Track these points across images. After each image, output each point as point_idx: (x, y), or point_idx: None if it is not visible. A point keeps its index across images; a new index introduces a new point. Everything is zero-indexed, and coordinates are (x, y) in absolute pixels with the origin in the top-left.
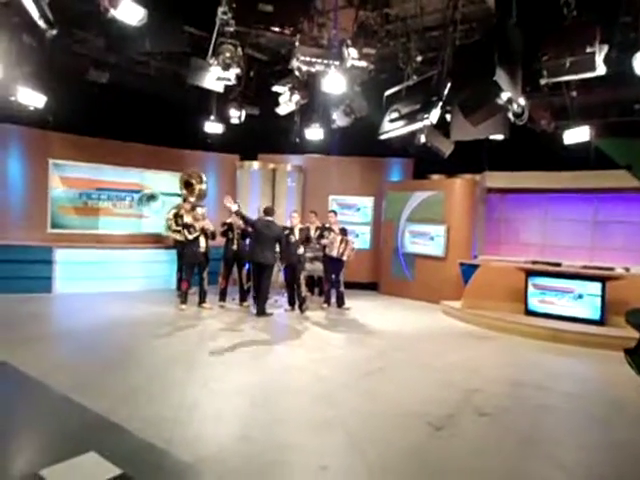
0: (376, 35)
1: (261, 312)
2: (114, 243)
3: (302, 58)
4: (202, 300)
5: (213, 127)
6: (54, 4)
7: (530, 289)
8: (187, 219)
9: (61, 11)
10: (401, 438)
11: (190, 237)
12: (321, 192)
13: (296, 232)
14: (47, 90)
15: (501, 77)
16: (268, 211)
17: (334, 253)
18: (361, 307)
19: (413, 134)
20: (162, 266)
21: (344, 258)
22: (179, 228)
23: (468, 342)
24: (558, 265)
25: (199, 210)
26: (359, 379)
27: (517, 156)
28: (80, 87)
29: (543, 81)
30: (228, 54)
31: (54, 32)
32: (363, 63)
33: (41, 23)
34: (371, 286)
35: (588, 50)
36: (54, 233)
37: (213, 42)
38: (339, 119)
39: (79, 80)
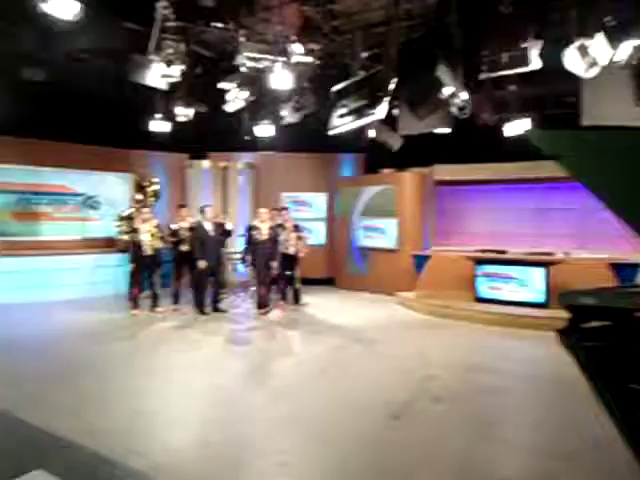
0: (321, 31)
1: (207, 312)
2: (58, 249)
3: (247, 54)
4: (155, 304)
5: (160, 126)
6: None
7: (479, 277)
8: (138, 224)
9: None
10: (359, 429)
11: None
12: (274, 189)
13: (265, 230)
14: None
15: (443, 72)
16: (209, 211)
17: (291, 250)
18: (318, 303)
19: (363, 129)
20: (111, 271)
21: (300, 254)
22: (128, 230)
23: (423, 331)
24: (504, 253)
25: (145, 210)
26: (317, 374)
27: (464, 149)
28: (14, 86)
29: (483, 76)
30: (171, 50)
31: None
32: (309, 59)
33: None
34: (328, 281)
35: (522, 45)
36: None
37: (153, 38)
38: (289, 115)
39: (12, 79)
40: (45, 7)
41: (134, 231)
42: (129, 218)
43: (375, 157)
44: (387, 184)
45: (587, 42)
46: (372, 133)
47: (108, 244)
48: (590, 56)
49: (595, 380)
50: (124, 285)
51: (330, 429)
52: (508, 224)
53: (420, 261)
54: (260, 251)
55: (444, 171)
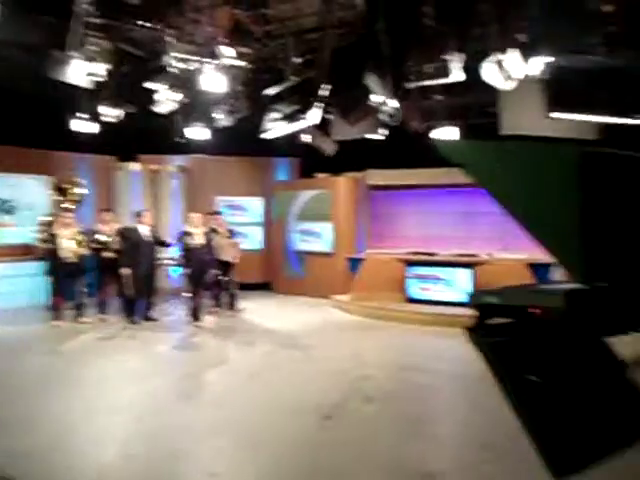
0: (252, 35)
1: (137, 322)
2: None
3: (175, 55)
4: (79, 314)
5: (84, 126)
6: None
7: (409, 278)
8: (57, 229)
9: None
10: (291, 432)
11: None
12: (208, 193)
13: (199, 235)
14: None
15: (372, 80)
16: (138, 216)
17: (225, 256)
18: (255, 308)
19: (296, 134)
20: (29, 280)
21: (234, 260)
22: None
23: (357, 333)
24: (433, 255)
25: (67, 215)
26: (250, 380)
27: (396, 154)
28: None
29: (409, 85)
30: (94, 47)
31: None
32: (240, 62)
33: None
34: (265, 286)
35: (444, 57)
36: None
37: (73, 34)
38: (222, 118)
39: None
40: None
41: (53, 237)
42: (49, 224)
43: (310, 161)
44: (322, 188)
45: (503, 56)
46: (306, 138)
47: (25, 251)
48: (506, 70)
49: (497, 373)
50: (43, 295)
51: (262, 434)
52: (438, 227)
53: (355, 264)
54: (195, 257)
55: (377, 176)
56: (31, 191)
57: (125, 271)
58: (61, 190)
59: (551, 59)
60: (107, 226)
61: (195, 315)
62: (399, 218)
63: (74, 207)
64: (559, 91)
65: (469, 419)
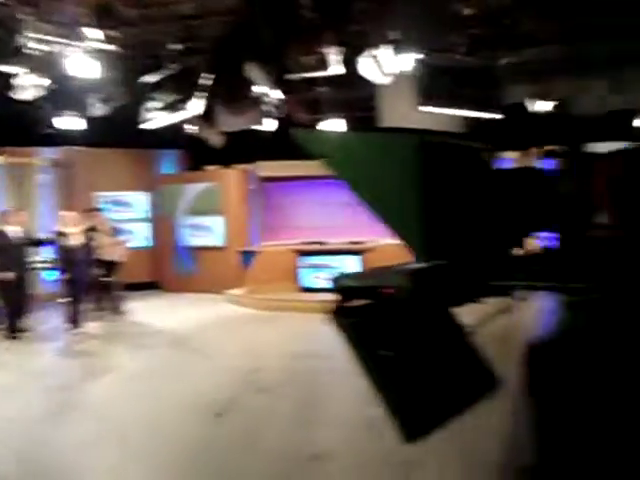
0: (122, 17)
1: (9, 332)
2: None
3: (34, 35)
4: None
5: None
6: None
7: (302, 268)
8: None
9: None
10: (181, 435)
11: None
12: (86, 189)
13: (75, 235)
14: None
15: (252, 71)
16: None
17: (109, 256)
18: (142, 309)
19: (181, 124)
20: None
21: (119, 260)
22: None
23: (251, 326)
24: (323, 244)
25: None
26: (137, 385)
27: (286, 146)
28: None
29: (290, 77)
30: None
31: None
32: (110, 47)
33: None
34: (154, 285)
35: (322, 50)
36: None
37: None
38: (97, 107)
39: None
40: None
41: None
42: None
43: (198, 154)
44: (211, 181)
45: (378, 52)
46: (192, 129)
47: None
48: (381, 65)
49: (356, 351)
50: None
51: (150, 441)
52: (328, 217)
53: (248, 257)
54: (71, 259)
55: (267, 167)
56: None
57: (8, 275)
58: None
59: (419, 56)
60: None
61: (75, 322)
62: (291, 209)
63: None
64: (428, 87)
65: (357, 400)
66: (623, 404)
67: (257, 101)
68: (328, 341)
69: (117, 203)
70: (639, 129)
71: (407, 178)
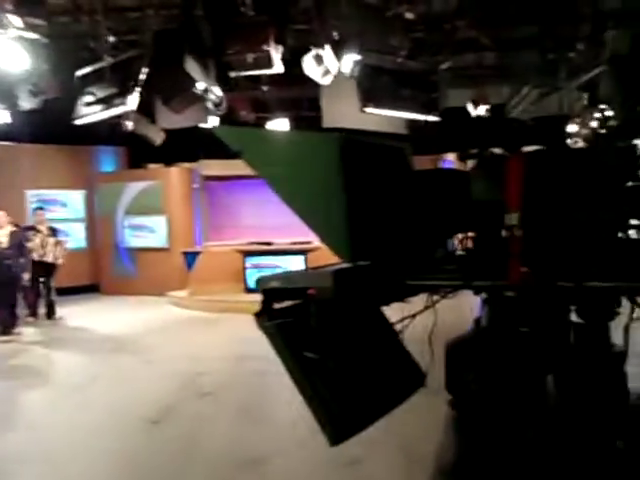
0: (46, 5)
1: None
2: None
3: None
4: None
5: None
6: None
7: (248, 269)
8: None
9: None
10: (112, 445)
11: None
12: (14, 186)
13: (3, 237)
14: None
15: (192, 67)
16: None
17: (48, 258)
18: (79, 313)
19: (118, 120)
20: None
21: (59, 262)
22: None
23: (195, 328)
24: (269, 244)
25: None
26: (70, 395)
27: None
28: None
29: (232, 74)
30: None
31: None
32: (33, 35)
33: None
34: (91, 288)
35: (264, 48)
36: None
37: None
38: (24, 100)
39: None
40: None
41: None
42: None
43: (140, 151)
44: (153, 179)
45: (321, 52)
46: (130, 125)
47: None
48: (324, 65)
49: (281, 353)
50: None
51: (78, 455)
52: (273, 216)
53: (191, 258)
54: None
55: (211, 166)
56: None
57: None
58: None
59: (360, 57)
60: None
61: (5, 327)
62: (236, 209)
63: None
64: (370, 88)
65: (300, 401)
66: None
67: (198, 98)
68: None
69: (50, 202)
70: (571, 134)
71: (330, 177)
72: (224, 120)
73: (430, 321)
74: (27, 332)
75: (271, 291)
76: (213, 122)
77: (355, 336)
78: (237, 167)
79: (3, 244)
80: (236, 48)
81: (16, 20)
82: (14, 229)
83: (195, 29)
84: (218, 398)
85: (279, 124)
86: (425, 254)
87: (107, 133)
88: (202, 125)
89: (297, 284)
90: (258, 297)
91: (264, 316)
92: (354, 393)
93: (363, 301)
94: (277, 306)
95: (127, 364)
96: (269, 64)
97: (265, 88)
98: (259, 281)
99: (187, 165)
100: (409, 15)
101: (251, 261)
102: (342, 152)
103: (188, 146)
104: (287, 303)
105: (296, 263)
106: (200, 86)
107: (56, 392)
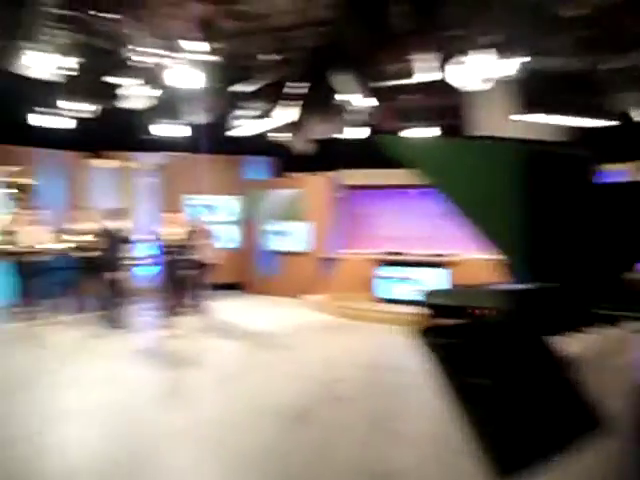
0: (223, 31)
1: (110, 323)
2: None
3: (144, 49)
4: (50, 314)
5: (45, 120)
6: None
7: (380, 278)
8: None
9: None
10: (255, 439)
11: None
12: (178, 192)
13: (175, 234)
14: None
15: (340, 79)
16: (110, 214)
17: (202, 257)
18: (226, 308)
19: (270, 132)
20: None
21: (211, 262)
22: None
23: (329, 333)
24: (403, 255)
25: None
26: (218, 383)
27: (368, 154)
28: None
29: (377, 84)
30: (58, 39)
31: None
32: (211, 58)
33: None
34: (237, 286)
35: (412, 57)
36: None
37: (33, 25)
38: (194, 115)
39: None
40: None
41: (16, 236)
42: (10, 222)
43: (286, 160)
44: (296, 187)
45: (471, 58)
46: (280, 136)
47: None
48: (474, 71)
49: (445, 375)
50: (13, 294)
51: (229, 435)
52: (413, 227)
53: (328, 264)
54: (171, 257)
55: (353, 175)
56: None
57: (110, 274)
58: (12, 185)
59: (517, 62)
60: (84, 225)
61: (167, 316)
62: (374, 218)
63: (27, 198)
64: (528, 93)
65: (433, 417)
66: None
67: (345, 109)
68: (406, 354)
69: (207, 206)
70: None
71: (513, 189)
72: (370, 130)
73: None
74: (184, 322)
75: (438, 307)
76: (356, 133)
77: (528, 365)
78: (377, 177)
79: (175, 242)
80: (384, 58)
81: (197, 45)
82: (190, 229)
83: (343, 42)
84: (354, 406)
85: (422, 133)
86: (612, 278)
87: (258, 144)
88: (342, 136)
89: (468, 302)
90: (389, 307)
91: (429, 333)
92: (523, 427)
93: (541, 327)
94: (434, 323)
95: (267, 360)
96: (411, 73)
97: (412, 97)
98: (426, 295)
99: (329, 174)
100: (571, 12)
101: (382, 271)
102: (528, 162)
103: (331, 156)
104: (447, 320)
105: (432, 277)
106: (344, 97)
107: (204, 378)
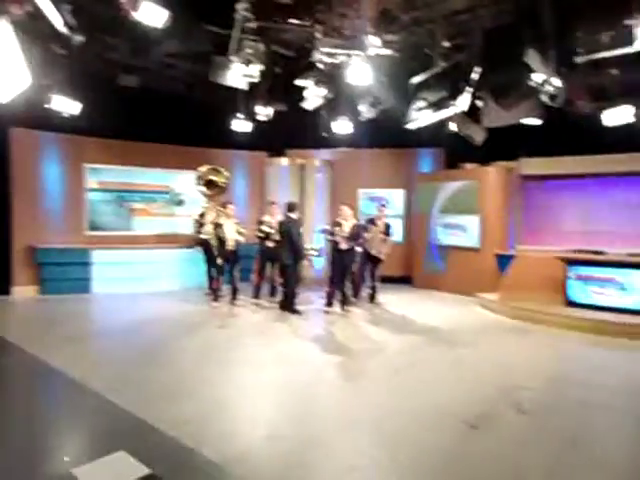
0: (399, 21)
1: (286, 308)
2: (147, 244)
3: (324, 50)
4: (234, 297)
5: (242, 125)
6: (79, 11)
7: (571, 279)
8: (209, 217)
9: (87, 18)
10: (433, 437)
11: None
12: (351, 186)
13: (346, 227)
14: (80, 96)
15: (532, 58)
16: (290, 207)
17: (373, 251)
18: (394, 301)
19: (443, 123)
20: (194, 265)
21: (381, 257)
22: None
23: (505, 336)
24: (601, 253)
25: (230, 207)
26: (391, 375)
27: (553, 141)
28: (111, 92)
29: (579, 59)
30: (250, 50)
31: (80, 39)
32: (387, 51)
33: (65, 30)
34: (404, 280)
35: (626, 23)
36: (91, 235)
37: (234, 39)
38: (366, 111)
39: (110, 85)
40: (135, 15)
41: (218, 226)
42: (202, 215)
43: (455, 151)
44: (469, 179)
45: None
46: (453, 126)
47: (192, 239)
48: None
49: None
50: (205, 279)
51: (402, 434)
52: (604, 222)
53: (504, 261)
54: (340, 248)
55: (532, 165)
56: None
57: (289, 263)
58: (210, 183)
59: None
60: (272, 217)
61: (343, 303)
62: (556, 212)
63: (221, 194)
64: None
65: (635, 444)
66: None
67: (532, 92)
68: (597, 367)
69: (376, 199)
70: None
71: None
72: (554, 113)
73: None
74: (353, 311)
75: None
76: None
77: None
78: (560, 165)
79: (344, 234)
80: (587, 28)
81: (375, 40)
82: (355, 222)
83: (536, 16)
84: (539, 420)
85: (621, 113)
86: None
87: (428, 135)
88: (527, 121)
89: None
90: (582, 312)
91: None
92: None
93: None
94: None
95: (436, 358)
96: (629, 41)
97: (612, 71)
98: None
99: (503, 164)
100: None
101: (576, 271)
102: None
103: (506, 144)
104: None
105: (638, 278)
106: (537, 78)
107: (377, 369)
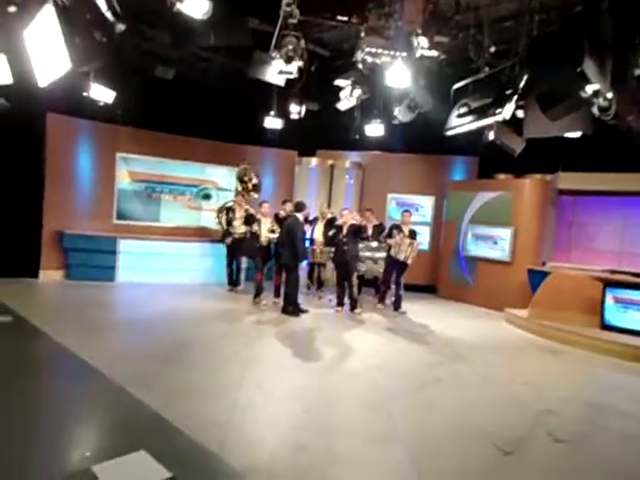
0: (449, 22)
1: (285, 311)
2: (173, 235)
3: (368, 49)
4: (258, 296)
5: (273, 122)
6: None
7: (608, 301)
8: (239, 213)
9: (129, 7)
10: (464, 460)
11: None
12: (380, 190)
13: (345, 229)
14: (116, 86)
15: (589, 68)
16: (297, 207)
17: (400, 257)
18: (418, 311)
19: (481, 131)
20: (219, 260)
21: (409, 262)
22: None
23: (536, 355)
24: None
25: (266, 205)
26: (417, 389)
27: (593, 155)
28: (147, 83)
29: (638, 72)
30: (291, 47)
31: (122, 27)
32: (434, 52)
33: (109, 16)
34: (429, 289)
35: None
36: (119, 224)
37: (276, 34)
38: (402, 114)
39: (146, 76)
40: (180, 6)
41: (253, 222)
42: (228, 209)
43: (489, 161)
44: (503, 190)
45: None
46: (490, 135)
47: (217, 233)
48: None
49: None
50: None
51: (431, 453)
52: None
53: (536, 277)
54: (339, 251)
55: (571, 179)
56: (225, 180)
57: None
58: (242, 181)
59: None
60: (264, 217)
61: (352, 309)
62: (592, 229)
63: (252, 196)
64: None
65: None
66: None
67: (583, 103)
68: (636, 397)
69: (405, 205)
70: None
71: None
72: (598, 127)
73: None
74: (374, 317)
75: None
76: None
77: None
78: (601, 181)
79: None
80: None
81: (423, 41)
82: (354, 222)
83: (595, 25)
84: (577, 451)
85: None
86: None
87: (463, 143)
88: (572, 134)
89: None
90: (619, 337)
91: None
92: None
93: None
94: None
95: (463, 374)
96: None
97: None
98: None
99: (540, 177)
100: None
101: (614, 293)
102: None
103: (541, 156)
104: None
105: None
106: (589, 89)
107: (403, 383)
